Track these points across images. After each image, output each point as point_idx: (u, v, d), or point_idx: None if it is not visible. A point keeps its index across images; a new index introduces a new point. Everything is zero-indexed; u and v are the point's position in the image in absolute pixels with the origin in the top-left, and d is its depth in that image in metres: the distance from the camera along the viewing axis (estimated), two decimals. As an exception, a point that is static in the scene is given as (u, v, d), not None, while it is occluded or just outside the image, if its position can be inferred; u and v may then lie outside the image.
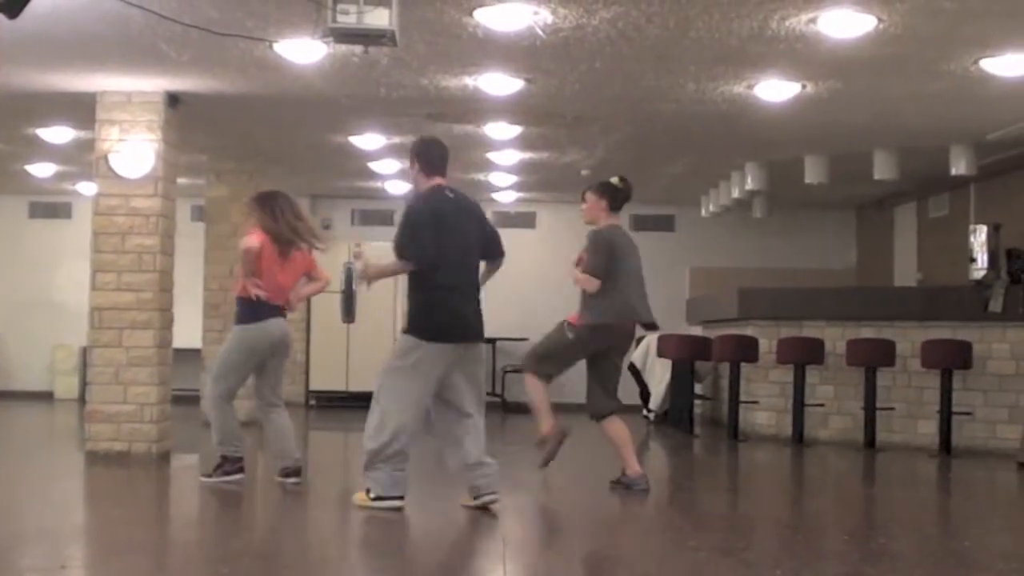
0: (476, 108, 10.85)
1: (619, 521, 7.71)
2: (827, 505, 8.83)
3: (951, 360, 11.18)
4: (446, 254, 7.19)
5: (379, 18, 6.64)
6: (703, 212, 16.44)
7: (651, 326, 8.62)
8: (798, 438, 11.93)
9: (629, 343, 8.61)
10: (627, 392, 15.60)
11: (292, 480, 8.32)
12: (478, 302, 7.39)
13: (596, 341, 8.35)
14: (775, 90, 9.88)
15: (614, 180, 8.69)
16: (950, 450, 11.13)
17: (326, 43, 7.27)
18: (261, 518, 7.87)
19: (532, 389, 8.54)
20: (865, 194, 16.20)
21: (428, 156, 7.47)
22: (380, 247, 16.97)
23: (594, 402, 8.41)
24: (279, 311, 8.43)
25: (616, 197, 8.62)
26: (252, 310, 8.31)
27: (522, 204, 17.71)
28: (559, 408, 8.68)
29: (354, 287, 16.63)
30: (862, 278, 17.45)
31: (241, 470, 8.48)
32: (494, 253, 7.56)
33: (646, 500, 8.10)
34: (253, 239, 8.29)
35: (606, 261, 8.30)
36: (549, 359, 8.52)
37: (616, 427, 8.39)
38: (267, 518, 7.81)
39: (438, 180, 7.41)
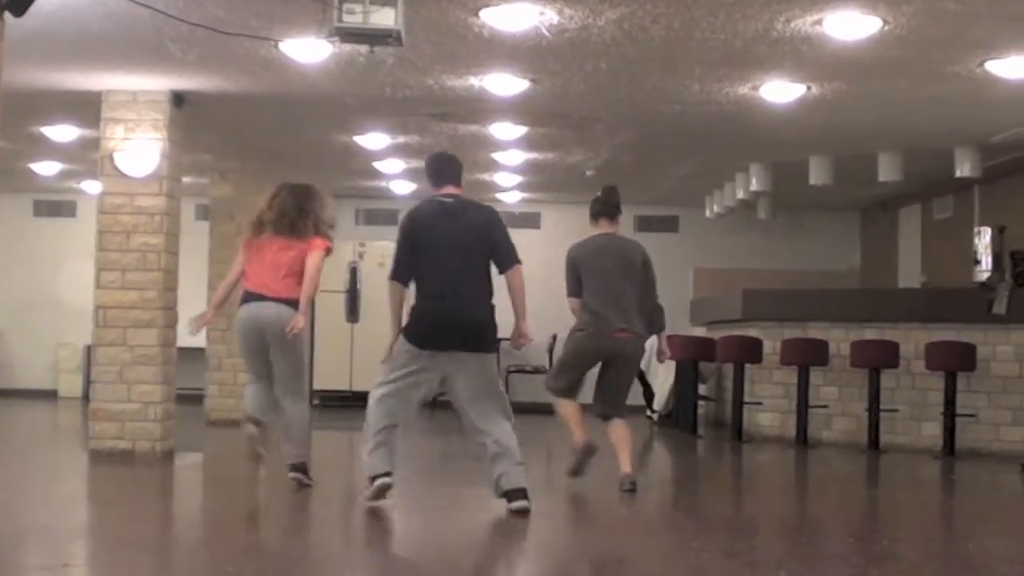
0: (481, 108, 10.85)
1: (623, 522, 7.71)
2: (831, 507, 8.82)
3: (955, 362, 11.18)
4: (420, 266, 7.33)
5: (385, 18, 6.64)
6: (707, 213, 16.43)
7: (627, 331, 8.45)
8: (802, 439, 11.92)
9: (618, 352, 8.45)
10: (631, 393, 15.70)
11: (293, 475, 8.18)
12: (476, 310, 7.33)
13: (584, 344, 8.51)
14: (780, 91, 9.88)
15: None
16: (954, 452, 11.13)
17: (331, 43, 7.26)
18: (266, 516, 7.87)
19: (557, 407, 8.75)
20: (869, 195, 16.19)
21: (429, 171, 7.71)
22: (384, 247, 17.15)
23: (594, 405, 8.62)
24: (263, 297, 8.05)
25: (592, 206, 8.72)
26: (241, 296, 8.19)
27: (527, 204, 17.71)
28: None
29: (358, 285, 16.68)
30: (866, 280, 17.44)
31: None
32: (499, 263, 7.44)
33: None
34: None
35: (570, 280, 8.52)
36: (554, 372, 8.89)
37: (613, 429, 8.50)
38: (272, 516, 7.81)
39: (446, 190, 7.53)
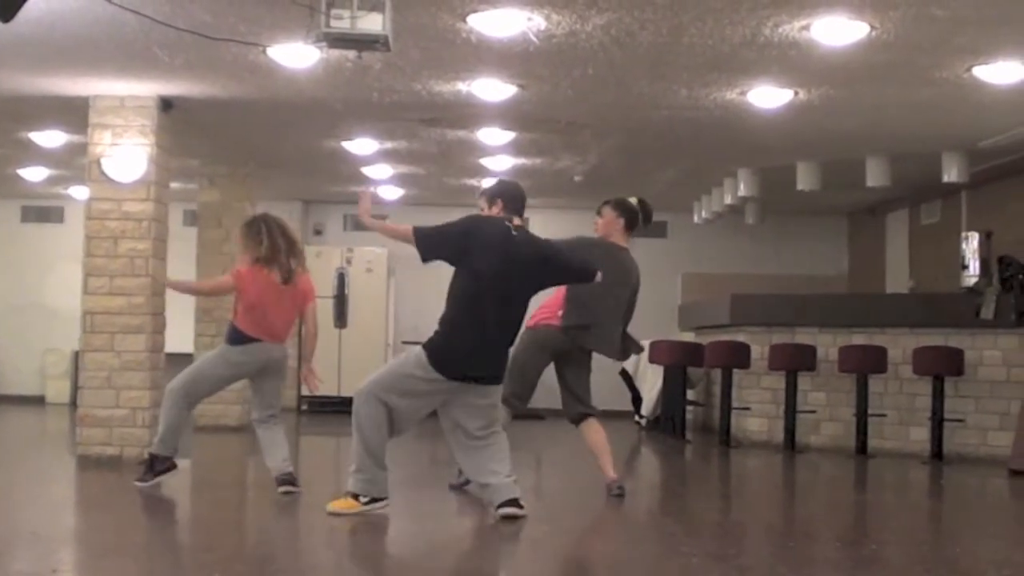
0: (469, 113, 10.85)
1: (611, 527, 7.71)
2: (819, 511, 8.83)
3: (943, 367, 11.20)
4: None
5: (372, 23, 6.64)
6: (696, 218, 16.45)
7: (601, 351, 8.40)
8: (790, 444, 11.94)
9: (572, 349, 8.31)
10: (619, 398, 15.73)
11: (283, 489, 8.15)
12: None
13: (548, 341, 8.30)
14: (768, 97, 9.89)
15: (633, 200, 8.53)
16: (942, 457, 11.15)
17: (319, 48, 7.26)
18: (252, 523, 7.86)
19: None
20: (857, 201, 16.22)
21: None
22: (371, 252, 17.14)
23: (566, 408, 8.41)
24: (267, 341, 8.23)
25: (632, 218, 8.47)
26: (239, 334, 8.16)
27: (515, 210, 17.70)
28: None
29: (346, 291, 16.67)
30: (854, 285, 17.46)
31: (172, 467, 8.28)
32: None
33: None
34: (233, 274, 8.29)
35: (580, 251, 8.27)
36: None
37: (589, 432, 8.33)
38: (259, 523, 7.80)
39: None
